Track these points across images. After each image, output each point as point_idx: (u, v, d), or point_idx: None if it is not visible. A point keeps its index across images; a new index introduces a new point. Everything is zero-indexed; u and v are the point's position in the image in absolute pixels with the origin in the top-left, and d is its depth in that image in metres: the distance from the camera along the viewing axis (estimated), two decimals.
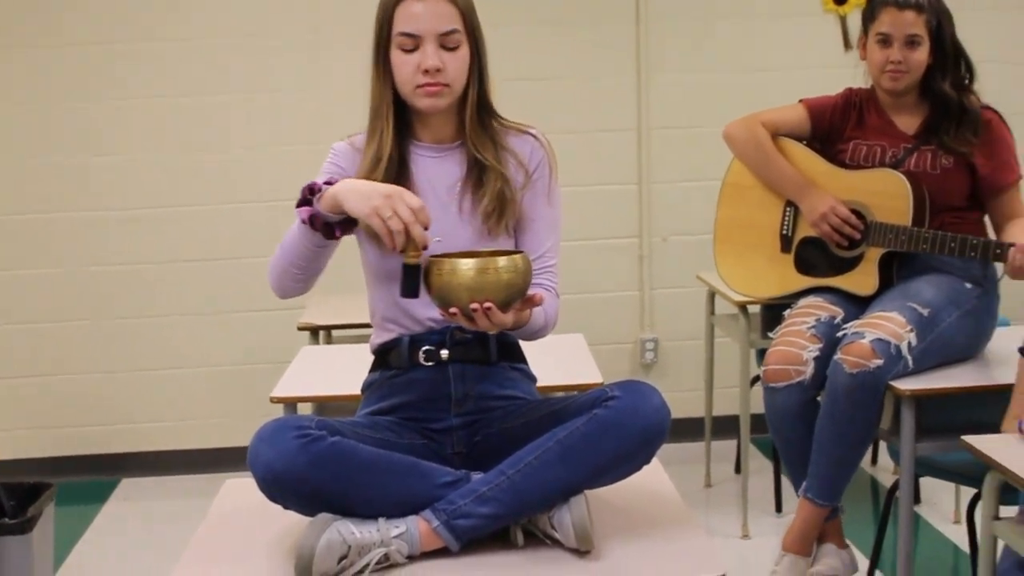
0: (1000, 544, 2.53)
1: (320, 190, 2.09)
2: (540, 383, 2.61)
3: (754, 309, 3.97)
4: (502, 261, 2.04)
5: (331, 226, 2.11)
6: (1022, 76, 5.10)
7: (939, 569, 4.00)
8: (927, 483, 4.23)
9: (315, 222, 2.10)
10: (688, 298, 4.96)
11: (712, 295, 4.46)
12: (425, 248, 2.04)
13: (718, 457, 4.75)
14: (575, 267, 5.01)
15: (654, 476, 2.35)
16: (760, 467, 4.50)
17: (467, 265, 2.04)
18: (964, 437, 2.57)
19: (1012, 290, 3.27)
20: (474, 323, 2.06)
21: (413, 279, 2.06)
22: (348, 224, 2.12)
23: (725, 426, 4.67)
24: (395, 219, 2.00)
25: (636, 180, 5.08)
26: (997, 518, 2.53)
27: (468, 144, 2.32)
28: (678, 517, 2.22)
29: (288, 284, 2.24)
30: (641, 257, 5.14)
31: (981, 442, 2.53)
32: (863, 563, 3.70)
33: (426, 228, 2.03)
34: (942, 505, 4.34)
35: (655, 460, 2.31)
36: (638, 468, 2.15)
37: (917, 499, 4.41)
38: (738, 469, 4.41)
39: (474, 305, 2.03)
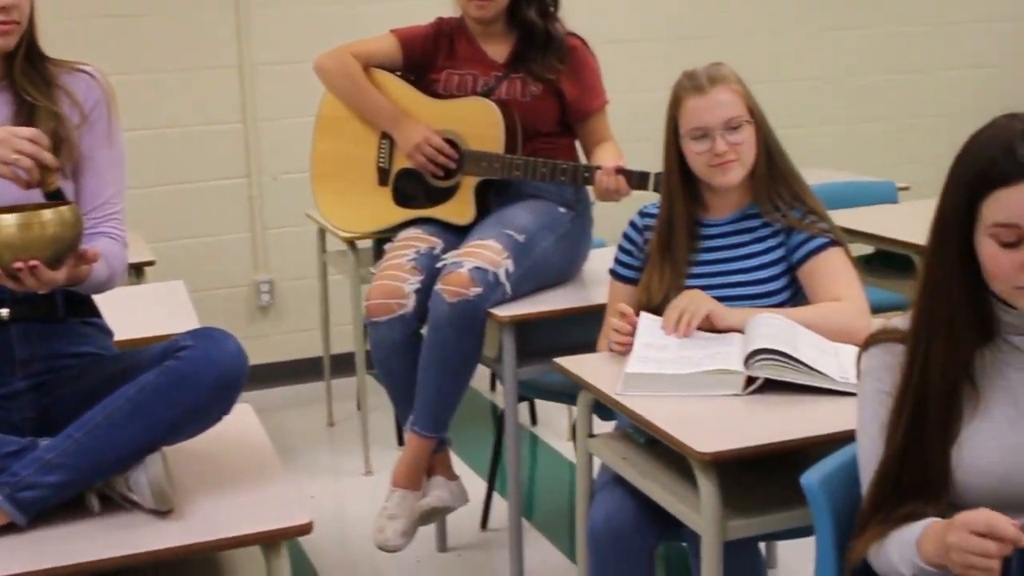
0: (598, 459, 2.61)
1: None
2: (132, 335, 2.48)
3: (364, 244, 3.93)
4: (47, 214, 1.89)
5: None
6: (612, 4, 5.28)
7: (555, 485, 4.13)
8: (544, 404, 4.35)
9: None
10: (301, 237, 4.88)
11: (323, 232, 4.39)
12: (59, 169, 1.97)
13: (340, 395, 4.72)
14: (180, 212, 4.85)
15: (244, 425, 2.26)
16: (381, 403, 4.47)
17: (7, 221, 1.87)
18: (556, 359, 2.63)
19: (604, 212, 3.36)
20: (21, 283, 1.90)
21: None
22: None
23: (345, 364, 4.63)
24: (20, 158, 1.91)
25: (241, 119, 4.92)
26: (592, 435, 2.59)
27: (16, 83, 2.16)
28: (268, 467, 2.14)
29: None
30: (251, 197, 4.98)
31: (571, 363, 2.59)
32: (482, 486, 3.76)
33: (49, 150, 1.96)
34: (558, 424, 4.47)
35: (246, 407, 2.25)
36: (218, 419, 2.04)
37: (534, 420, 4.54)
38: (360, 406, 4.39)
39: (18, 264, 1.88)
